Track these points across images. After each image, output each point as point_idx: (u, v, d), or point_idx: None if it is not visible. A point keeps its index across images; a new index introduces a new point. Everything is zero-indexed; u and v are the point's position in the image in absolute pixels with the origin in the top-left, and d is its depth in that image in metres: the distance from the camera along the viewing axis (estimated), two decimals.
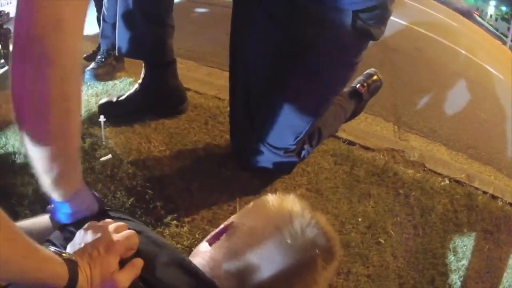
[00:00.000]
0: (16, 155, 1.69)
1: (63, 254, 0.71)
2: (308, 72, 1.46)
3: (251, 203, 1.00)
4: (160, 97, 1.97)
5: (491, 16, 14.73)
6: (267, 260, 0.84)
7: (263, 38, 1.45)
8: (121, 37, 1.86)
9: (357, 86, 2.03)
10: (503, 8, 14.17)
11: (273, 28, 1.39)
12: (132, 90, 1.99)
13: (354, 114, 2.11)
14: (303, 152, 1.72)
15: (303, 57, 1.44)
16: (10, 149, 1.74)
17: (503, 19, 13.93)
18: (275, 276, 0.83)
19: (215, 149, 1.86)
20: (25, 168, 1.63)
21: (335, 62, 1.46)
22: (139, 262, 0.79)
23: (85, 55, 2.61)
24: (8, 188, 1.54)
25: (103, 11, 2.25)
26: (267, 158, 1.67)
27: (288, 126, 1.59)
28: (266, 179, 1.75)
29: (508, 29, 12.75)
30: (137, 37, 1.84)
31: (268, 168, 1.71)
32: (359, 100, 2.03)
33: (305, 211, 0.89)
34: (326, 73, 1.48)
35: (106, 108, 1.91)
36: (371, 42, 1.51)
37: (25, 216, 1.10)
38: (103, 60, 2.37)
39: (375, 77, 2.08)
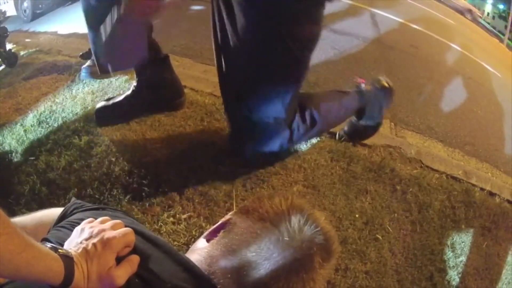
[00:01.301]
0: (13, 154, 1.68)
1: (59, 250, 0.71)
2: (279, 38, 1.52)
3: (249, 200, 0.99)
4: (157, 92, 1.96)
5: (488, 14, 14.73)
6: (264, 258, 0.83)
7: (240, 17, 1.52)
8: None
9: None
10: (501, 6, 14.17)
11: (248, 7, 1.49)
12: (128, 92, 1.98)
13: (367, 129, 2.12)
14: (294, 124, 1.72)
15: (277, 25, 1.51)
16: (7, 148, 1.73)
17: (500, 17, 13.92)
18: (272, 273, 0.82)
19: (211, 146, 1.85)
20: (22, 167, 1.63)
21: (298, 21, 1.54)
22: (135, 259, 0.79)
23: (81, 53, 2.61)
24: (5, 186, 1.53)
25: None
26: (259, 132, 1.68)
27: (273, 91, 1.62)
28: (263, 175, 1.74)
29: (506, 27, 12.76)
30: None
31: (262, 150, 1.71)
32: (360, 94, 1.99)
33: (303, 208, 0.88)
34: (295, 33, 1.54)
35: (103, 112, 1.92)
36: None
37: (22, 215, 1.10)
38: None
39: (383, 82, 2.05)
